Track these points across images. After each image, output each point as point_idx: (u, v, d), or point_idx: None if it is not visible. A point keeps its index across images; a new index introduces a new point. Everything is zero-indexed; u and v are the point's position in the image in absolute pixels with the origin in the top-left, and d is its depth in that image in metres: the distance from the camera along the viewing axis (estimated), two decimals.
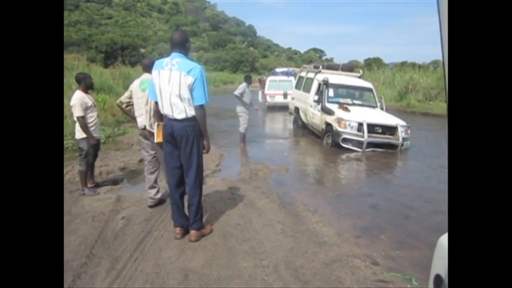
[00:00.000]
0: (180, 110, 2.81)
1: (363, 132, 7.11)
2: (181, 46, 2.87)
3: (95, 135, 4.32)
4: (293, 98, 10.90)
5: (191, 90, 2.78)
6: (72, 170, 5.04)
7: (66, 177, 4.87)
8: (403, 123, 7.47)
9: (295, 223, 3.61)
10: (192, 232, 3.11)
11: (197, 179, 3.03)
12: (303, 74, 10.62)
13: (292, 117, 10.94)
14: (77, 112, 4.10)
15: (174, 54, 2.84)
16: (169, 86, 2.78)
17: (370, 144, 7.21)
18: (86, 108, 4.18)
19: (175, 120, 2.85)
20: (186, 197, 3.15)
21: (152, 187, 3.87)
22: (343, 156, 6.98)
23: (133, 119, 4.12)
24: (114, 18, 72.33)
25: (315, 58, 68.19)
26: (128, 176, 5.39)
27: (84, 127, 4.16)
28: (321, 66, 9.58)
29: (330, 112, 7.69)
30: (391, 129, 7.41)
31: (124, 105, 4.03)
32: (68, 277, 2.50)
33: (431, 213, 4.10)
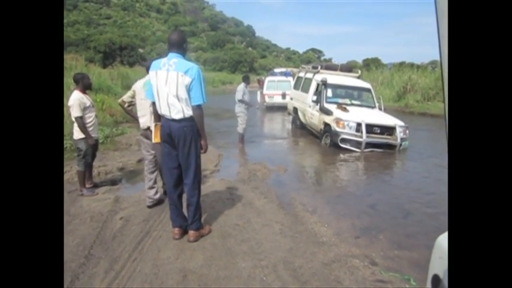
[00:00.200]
0: (177, 110, 2.81)
1: (361, 132, 7.12)
2: (179, 46, 2.87)
3: (93, 135, 4.31)
4: (291, 98, 10.91)
5: (188, 90, 2.78)
6: (70, 171, 5.03)
7: (64, 178, 4.85)
8: (402, 123, 7.49)
9: (294, 223, 3.61)
10: (191, 232, 3.10)
11: (195, 179, 3.03)
12: (301, 74, 10.63)
13: (290, 118, 10.95)
14: (75, 112, 4.09)
15: (171, 54, 2.84)
16: (167, 87, 2.78)
17: (369, 145, 7.22)
18: (84, 109, 4.17)
19: (173, 120, 2.85)
20: (184, 197, 3.15)
21: (151, 187, 3.87)
22: (342, 157, 6.98)
23: (134, 118, 4.13)
24: (113, 18, 72.23)
25: (314, 58, 68.27)
26: (127, 176, 5.38)
27: (83, 127, 4.15)
28: (319, 67, 9.59)
29: (328, 112, 7.70)
30: (389, 130, 7.42)
31: (126, 105, 4.02)
32: (66, 277, 2.49)
33: (430, 214, 4.11)
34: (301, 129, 9.81)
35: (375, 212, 4.13)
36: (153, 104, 2.97)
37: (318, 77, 8.84)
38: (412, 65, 23.29)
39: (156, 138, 3.05)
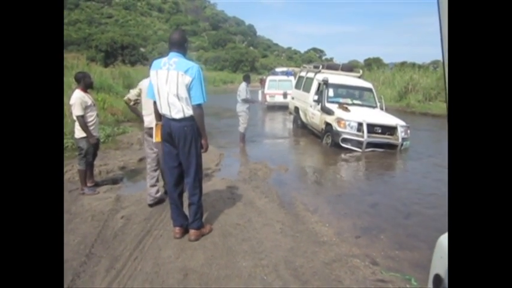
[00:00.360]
0: (177, 109, 2.81)
1: (363, 132, 7.11)
2: (180, 46, 2.88)
3: (94, 134, 4.32)
4: (293, 98, 10.90)
5: (189, 89, 2.78)
6: (71, 169, 5.04)
7: (65, 177, 4.86)
8: (403, 123, 7.48)
9: (294, 223, 3.61)
10: (192, 231, 3.11)
11: (196, 178, 3.04)
12: (302, 73, 10.62)
13: (291, 117, 10.94)
14: (77, 111, 4.09)
15: (172, 54, 2.84)
16: (167, 86, 2.79)
17: (370, 144, 7.21)
18: (86, 108, 4.17)
19: (173, 119, 2.85)
20: (185, 196, 3.15)
21: (153, 185, 3.88)
22: (343, 156, 6.98)
23: (138, 116, 4.17)
24: (114, 17, 72.31)
25: (315, 58, 68.15)
26: (128, 175, 5.38)
27: (84, 126, 4.16)
28: (320, 66, 9.58)
29: (329, 112, 7.69)
30: (390, 129, 7.41)
31: (132, 103, 4.04)
32: (67, 276, 2.50)
33: (430, 214, 4.10)
34: (302, 128, 9.80)
35: (375, 212, 4.13)
36: (154, 103, 2.98)
37: (320, 77, 8.83)
38: (413, 65, 23.29)
39: (156, 137, 3.06)
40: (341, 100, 8.39)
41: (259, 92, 16.14)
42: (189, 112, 2.83)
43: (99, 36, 40.91)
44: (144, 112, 3.89)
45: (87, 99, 4.23)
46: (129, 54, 38.66)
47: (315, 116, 8.51)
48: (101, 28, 58.79)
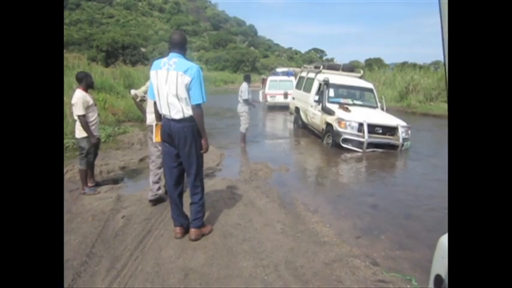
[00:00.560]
0: (177, 109, 2.82)
1: (363, 132, 7.11)
2: (180, 46, 2.89)
3: (95, 134, 4.33)
4: (293, 98, 10.90)
5: (188, 89, 2.79)
6: (72, 169, 5.04)
7: (66, 176, 4.87)
8: (404, 123, 7.47)
9: (295, 223, 3.61)
10: (192, 230, 3.11)
11: (198, 178, 3.05)
12: (303, 74, 10.62)
13: (292, 117, 10.94)
14: (78, 111, 4.10)
15: (172, 54, 2.85)
16: (167, 86, 2.79)
17: (371, 145, 7.20)
18: (87, 107, 4.18)
19: (173, 120, 2.86)
20: (186, 196, 3.15)
21: (156, 182, 3.92)
22: (344, 157, 6.98)
23: (142, 113, 4.20)
24: (115, 17, 72.33)
25: (316, 58, 68.15)
26: (128, 175, 5.39)
27: (85, 126, 4.16)
28: (321, 66, 9.58)
29: (330, 112, 7.69)
30: (391, 130, 7.41)
31: (138, 99, 4.07)
32: (68, 276, 2.50)
33: (431, 214, 4.09)
34: (303, 129, 9.80)
35: (376, 212, 4.12)
36: (154, 103, 2.99)
37: (320, 77, 8.83)
38: (414, 66, 23.21)
39: (156, 137, 3.08)
40: (342, 100, 8.38)
41: (260, 92, 16.15)
42: (188, 112, 2.84)
43: (100, 36, 40.92)
44: (148, 110, 3.90)
45: (89, 98, 4.24)
46: (130, 54, 38.67)
47: (315, 116, 8.51)
48: (102, 28, 58.79)
